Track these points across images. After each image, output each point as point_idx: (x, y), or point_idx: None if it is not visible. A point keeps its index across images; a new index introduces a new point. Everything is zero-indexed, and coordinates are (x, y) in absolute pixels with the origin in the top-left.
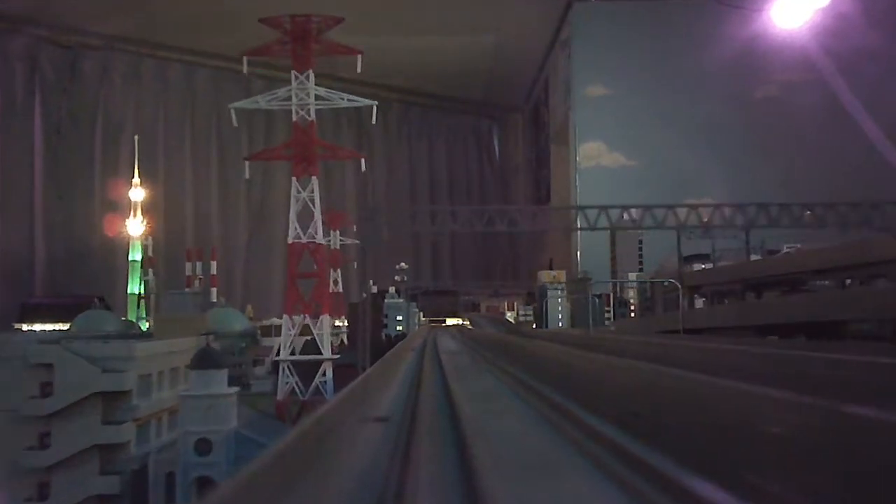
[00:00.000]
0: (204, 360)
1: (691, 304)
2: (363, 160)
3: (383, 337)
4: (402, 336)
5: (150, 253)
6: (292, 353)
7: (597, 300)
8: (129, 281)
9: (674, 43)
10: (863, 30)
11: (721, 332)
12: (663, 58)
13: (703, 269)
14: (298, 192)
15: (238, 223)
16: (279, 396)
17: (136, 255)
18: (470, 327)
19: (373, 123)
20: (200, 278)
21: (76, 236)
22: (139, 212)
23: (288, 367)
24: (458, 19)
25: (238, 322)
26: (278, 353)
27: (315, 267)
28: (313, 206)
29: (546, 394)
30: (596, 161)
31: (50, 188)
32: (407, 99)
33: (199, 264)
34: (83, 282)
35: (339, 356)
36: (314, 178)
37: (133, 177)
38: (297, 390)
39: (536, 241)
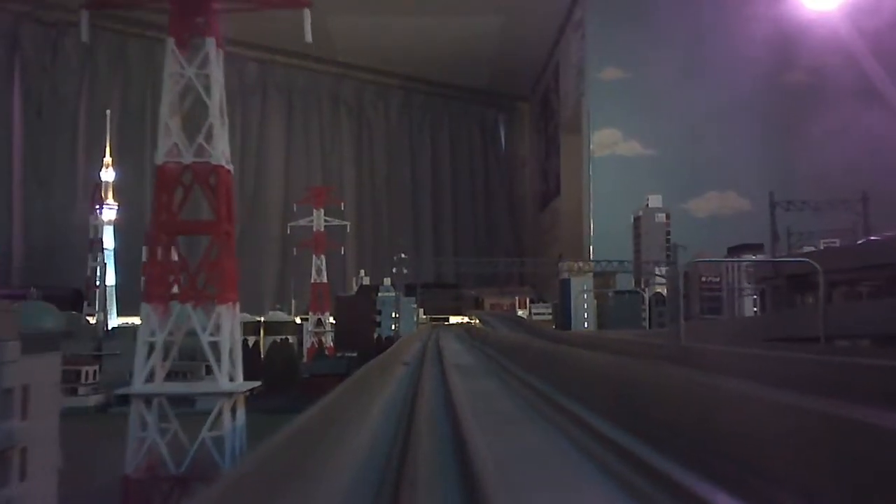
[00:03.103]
0: None
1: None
2: (307, 11)
3: (374, 339)
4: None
5: (99, 235)
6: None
7: (643, 296)
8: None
9: (696, 21)
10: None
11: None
12: (684, 37)
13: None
14: (182, 67)
15: None
16: (128, 469)
17: (107, 241)
18: (479, 327)
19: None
20: None
21: (58, 224)
22: (110, 194)
23: (156, 405)
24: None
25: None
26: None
27: (213, 214)
28: (208, 97)
29: None
30: (610, 150)
31: (30, 174)
32: (409, 86)
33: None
34: (66, 272)
35: (313, 367)
36: (211, 40)
37: (104, 156)
38: (165, 457)
39: (544, 235)
